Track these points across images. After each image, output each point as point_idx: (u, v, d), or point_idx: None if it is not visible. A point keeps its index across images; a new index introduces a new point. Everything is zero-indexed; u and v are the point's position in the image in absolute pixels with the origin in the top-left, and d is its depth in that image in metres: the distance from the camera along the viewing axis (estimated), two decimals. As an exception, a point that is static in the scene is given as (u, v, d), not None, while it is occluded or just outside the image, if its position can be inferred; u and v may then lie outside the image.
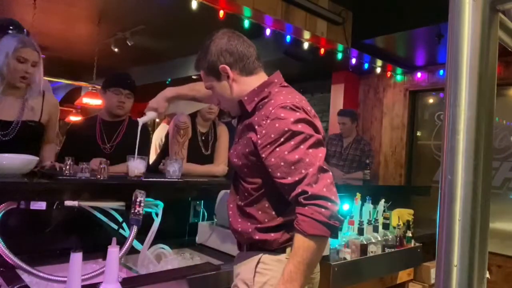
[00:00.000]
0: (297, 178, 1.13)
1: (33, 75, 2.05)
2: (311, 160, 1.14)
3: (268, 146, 1.18)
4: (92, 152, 2.15)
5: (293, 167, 1.14)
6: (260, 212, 1.27)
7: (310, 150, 1.16)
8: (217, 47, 1.31)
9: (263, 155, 1.19)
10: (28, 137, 2.06)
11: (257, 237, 1.27)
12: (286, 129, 1.16)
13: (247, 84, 1.32)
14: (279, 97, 1.23)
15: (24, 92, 2.07)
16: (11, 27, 2.43)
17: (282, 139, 1.16)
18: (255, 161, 1.25)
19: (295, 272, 1.12)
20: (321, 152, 1.18)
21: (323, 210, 1.09)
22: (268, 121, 1.20)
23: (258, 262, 1.26)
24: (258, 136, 1.21)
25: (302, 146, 1.15)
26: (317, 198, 1.10)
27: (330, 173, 1.17)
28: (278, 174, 1.17)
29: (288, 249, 1.26)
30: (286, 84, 1.35)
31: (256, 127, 1.23)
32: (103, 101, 2.39)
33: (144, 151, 2.24)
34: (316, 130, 1.22)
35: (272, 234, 1.26)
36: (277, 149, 1.16)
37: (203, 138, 2.65)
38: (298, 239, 1.12)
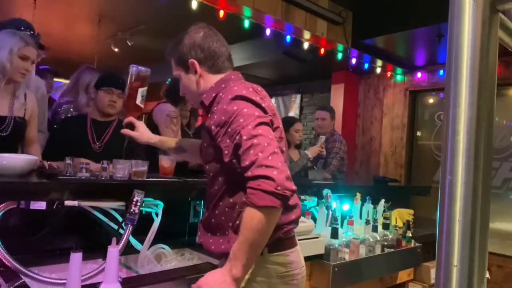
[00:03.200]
0: (246, 154, 1.13)
1: (30, 72, 2.10)
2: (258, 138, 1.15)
3: (221, 129, 1.20)
4: (81, 150, 2.13)
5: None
6: (227, 209, 1.27)
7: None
8: (191, 41, 1.33)
9: (218, 139, 1.21)
10: (21, 133, 2.11)
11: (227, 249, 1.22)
12: (235, 107, 1.18)
13: (211, 82, 1.35)
14: (233, 88, 1.26)
15: (14, 87, 2.09)
16: (22, 28, 2.46)
17: (231, 119, 1.18)
18: (213, 152, 1.26)
19: (239, 250, 1.11)
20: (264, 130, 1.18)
21: (269, 181, 1.07)
22: (219, 105, 1.23)
23: None
24: (212, 123, 1.24)
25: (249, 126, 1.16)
26: (262, 167, 1.08)
27: (274, 142, 1.16)
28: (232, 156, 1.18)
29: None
30: (243, 81, 1.37)
31: (210, 117, 1.27)
32: (94, 100, 2.38)
33: (138, 151, 2.23)
34: (265, 111, 1.22)
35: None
36: (229, 129, 1.18)
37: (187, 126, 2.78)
38: (248, 212, 1.10)
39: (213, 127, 1.23)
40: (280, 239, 1.28)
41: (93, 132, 2.30)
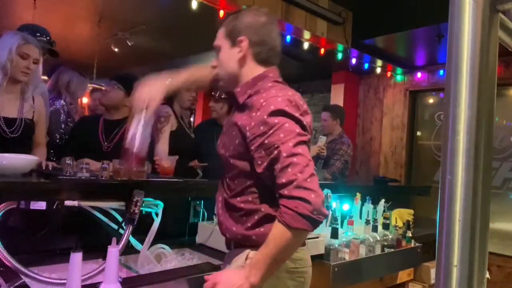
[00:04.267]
0: (284, 171, 1.12)
1: (34, 72, 2.09)
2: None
3: (257, 138, 1.17)
4: (92, 149, 2.17)
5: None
6: (243, 205, 1.26)
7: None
8: (250, 20, 1.27)
9: (252, 148, 1.18)
10: (30, 135, 2.11)
11: (242, 235, 1.26)
12: (276, 121, 1.15)
13: (250, 70, 1.29)
14: (271, 91, 1.22)
15: (22, 89, 2.10)
16: (38, 34, 2.49)
17: (271, 132, 1.15)
18: (243, 153, 1.23)
19: (262, 261, 1.11)
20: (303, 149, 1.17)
21: (306, 204, 1.06)
22: (258, 113, 1.18)
23: (246, 259, 1.25)
24: (247, 128, 1.20)
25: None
26: (301, 188, 1.08)
27: (312, 163, 1.16)
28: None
29: None
30: (280, 80, 1.32)
31: (245, 118, 1.22)
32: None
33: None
34: (305, 129, 1.19)
35: (257, 230, 1.25)
36: (266, 141, 1.15)
37: (184, 122, 2.73)
38: (278, 228, 1.10)
39: (248, 133, 1.19)
40: None
41: (104, 131, 2.31)
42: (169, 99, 2.72)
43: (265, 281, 1.14)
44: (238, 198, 1.28)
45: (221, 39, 1.31)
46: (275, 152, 1.13)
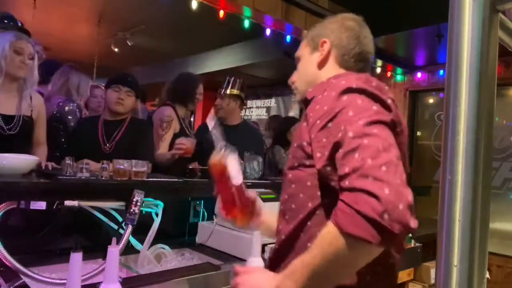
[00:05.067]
0: (348, 157, 0.79)
1: (31, 68, 2.09)
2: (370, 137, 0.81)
3: (318, 121, 0.89)
4: (92, 150, 2.16)
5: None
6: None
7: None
8: (337, 24, 1.13)
9: (312, 136, 0.90)
10: (29, 132, 2.11)
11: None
12: (345, 98, 0.88)
13: (328, 72, 1.08)
14: (341, 82, 0.93)
15: (20, 87, 2.09)
16: (5, 20, 2.49)
17: (337, 111, 0.86)
18: (303, 155, 0.94)
19: (300, 271, 0.81)
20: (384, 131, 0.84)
21: (372, 199, 0.71)
22: (325, 93, 0.92)
23: None
24: (310, 114, 0.93)
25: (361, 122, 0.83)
26: (369, 178, 0.74)
27: (397, 152, 0.81)
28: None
29: None
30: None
31: (309, 108, 0.96)
32: (104, 100, 2.41)
33: (145, 151, 2.24)
34: (387, 108, 0.89)
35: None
36: (329, 124, 0.87)
37: (185, 123, 2.77)
38: (328, 230, 0.77)
39: (310, 119, 0.91)
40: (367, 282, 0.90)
41: (104, 132, 2.30)
42: (182, 102, 2.73)
43: None
44: (302, 235, 0.94)
45: (302, 49, 1.19)
46: (340, 135, 0.82)
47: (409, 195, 0.73)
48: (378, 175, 0.73)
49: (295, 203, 0.97)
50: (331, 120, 0.86)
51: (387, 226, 0.70)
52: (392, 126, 0.86)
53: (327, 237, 0.78)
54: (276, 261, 1.01)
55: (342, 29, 1.11)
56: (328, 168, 0.85)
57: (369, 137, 0.79)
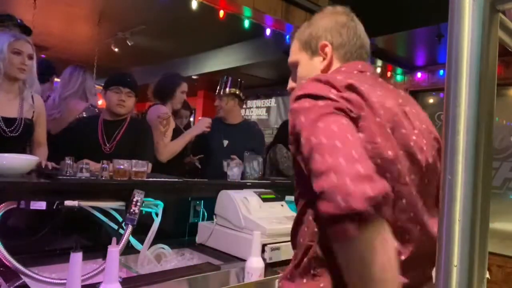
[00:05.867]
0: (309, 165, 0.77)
1: (30, 68, 2.09)
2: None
3: (290, 137, 0.87)
4: (92, 151, 2.16)
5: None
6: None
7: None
8: (329, 23, 1.08)
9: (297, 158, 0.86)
10: (29, 134, 2.11)
11: None
12: (296, 105, 0.85)
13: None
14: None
15: (21, 88, 2.09)
16: (4, 19, 2.50)
17: (293, 121, 0.86)
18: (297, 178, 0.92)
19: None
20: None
21: (326, 195, 0.69)
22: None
23: None
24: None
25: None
26: (321, 177, 0.71)
27: (344, 134, 0.77)
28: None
29: None
30: (363, 70, 1.07)
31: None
32: (103, 101, 2.40)
33: (146, 151, 2.24)
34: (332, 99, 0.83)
35: None
36: (291, 137, 0.86)
37: (188, 125, 2.91)
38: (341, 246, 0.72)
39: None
40: None
41: (104, 133, 2.30)
42: (163, 100, 2.76)
43: None
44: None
45: (296, 54, 1.11)
46: (302, 142, 0.79)
47: (358, 166, 0.68)
48: (322, 167, 0.70)
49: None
50: (292, 132, 0.84)
51: (349, 212, 0.64)
52: (347, 111, 0.82)
53: (348, 252, 0.71)
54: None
55: (338, 26, 1.08)
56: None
57: (315, 135, 0.76)
